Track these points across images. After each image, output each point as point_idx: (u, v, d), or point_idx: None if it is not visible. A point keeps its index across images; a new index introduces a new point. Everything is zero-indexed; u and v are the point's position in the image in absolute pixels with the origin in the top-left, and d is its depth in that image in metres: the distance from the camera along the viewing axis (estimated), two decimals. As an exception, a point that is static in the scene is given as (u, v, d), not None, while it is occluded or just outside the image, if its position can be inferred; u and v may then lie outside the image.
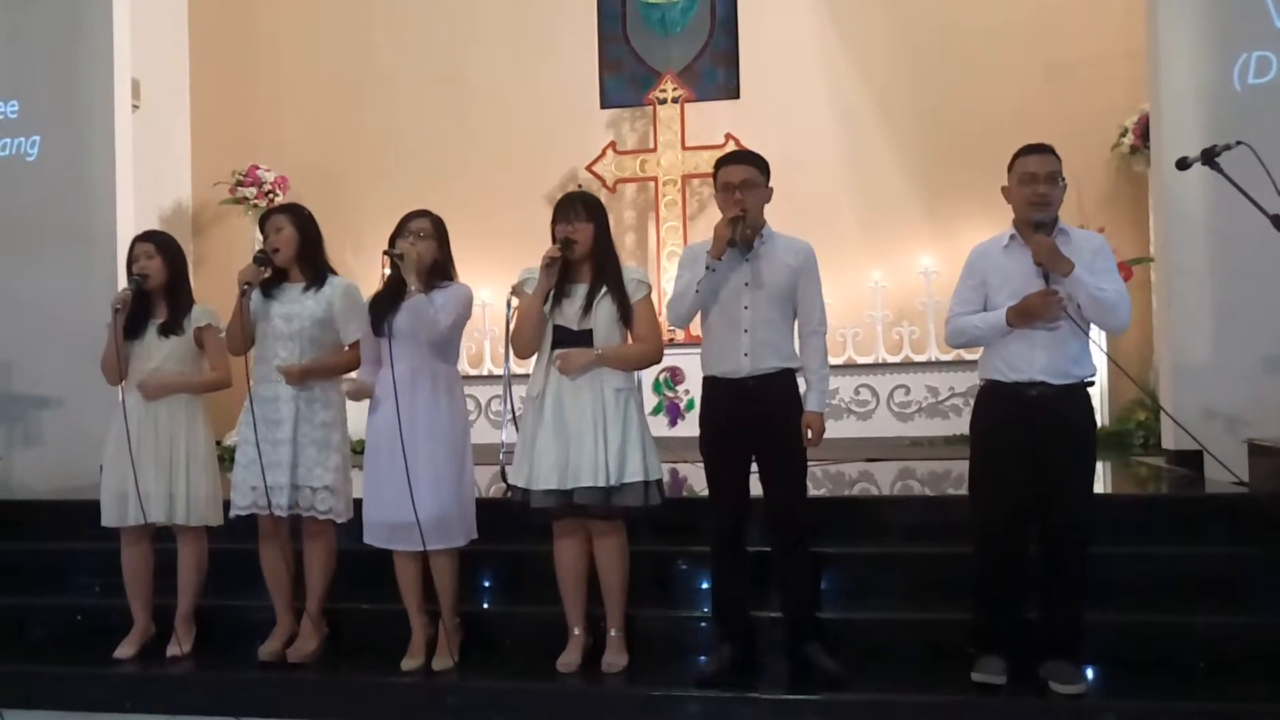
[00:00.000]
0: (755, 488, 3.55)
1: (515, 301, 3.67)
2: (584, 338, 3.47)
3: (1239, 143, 3.13)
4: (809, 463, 3.58)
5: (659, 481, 3.52)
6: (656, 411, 7.14)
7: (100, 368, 3.93)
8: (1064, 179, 3.33)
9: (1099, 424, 6.59)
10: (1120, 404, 6.83)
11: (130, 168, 6.40)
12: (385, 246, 3.66)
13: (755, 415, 3.43)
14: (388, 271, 3.74)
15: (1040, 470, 3.24)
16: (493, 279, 7.09)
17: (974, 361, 3.57)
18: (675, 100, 7.86)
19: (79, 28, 6.31)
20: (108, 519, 3.94)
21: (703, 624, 3.81)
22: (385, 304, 3.64)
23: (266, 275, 3.81)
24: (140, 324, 3.93)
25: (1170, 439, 5.39)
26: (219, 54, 8.57)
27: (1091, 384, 3.35)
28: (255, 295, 3.80)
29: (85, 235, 6.21)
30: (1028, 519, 3.31)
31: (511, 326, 3.65)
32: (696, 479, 4.83)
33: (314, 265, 3.88)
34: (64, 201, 6.24)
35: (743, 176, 3.47)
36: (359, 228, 7.19)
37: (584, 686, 3.52)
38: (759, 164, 3.53)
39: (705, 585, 3.94)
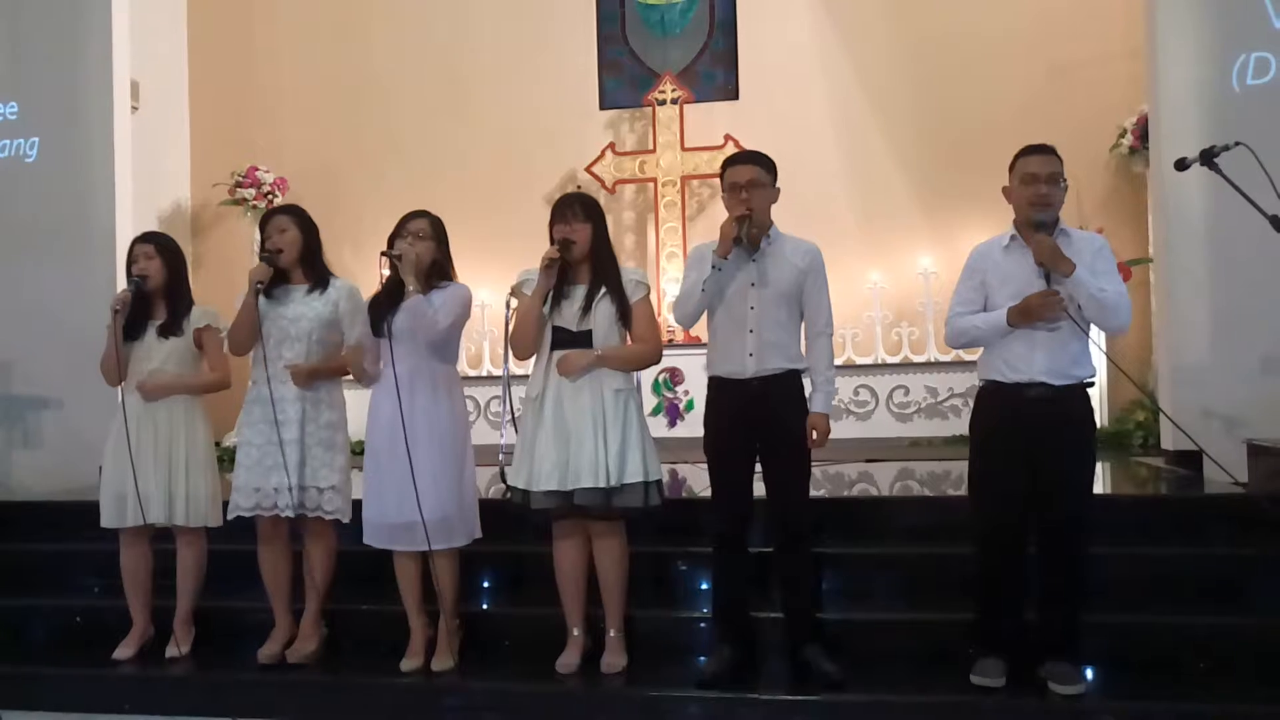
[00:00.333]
0: (756, 488, 3.55)
1: (514, 303, 3.67)
2: (583, 339, 3.47)
3: (1238, 143, 3.13)
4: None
5: (659, 482, 3.52)
6: (656, 412, 7.14)
7: (99, 369, 3.93)
8: (1065, 180, 3.33)
9: (1099, 425, 6.64)
10: (1119, 404, 6.84)
11: (129, 169, 6.39)
12: (384, 247, 3.66)
13: (760, 416, 3.43)
14: (386, 272, 3.74)
15: (1040, 471, 3.24)
16: (492, 280, 7.09)
17: (973, 362, 3.57)
18: (674, 101, 7.87)
19: (78, 29, 6.31)
20: (107, 520, 3.94)
21: (702, 625, 3.80)
22: (384, 305, 3.64)
23: (270, 275, 3.81)
24: (139, 325, 3.93)
25: (1169, 439, 5.39)
26: (218, 55, 8.56)
27: (1091, 385, 3.35)
28: (259, 297, 3.80)
29: (84, 236, 6.20)
30: (1027, 520, 3.31)
31: (510, 328, 3.65)
32: (696, 480, 4.84)
33: (315, 267, 3.89)
34: (63, 203, 6.24)
35: (749, 176, 3.47)
36: (358, 228, 7.19)
37: (583, 687, 3.52)
38: (766, 164, 3.53)
39: (705, 586, 3.95)
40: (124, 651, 3.94)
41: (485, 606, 4.18)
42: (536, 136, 8.13)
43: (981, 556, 3.39)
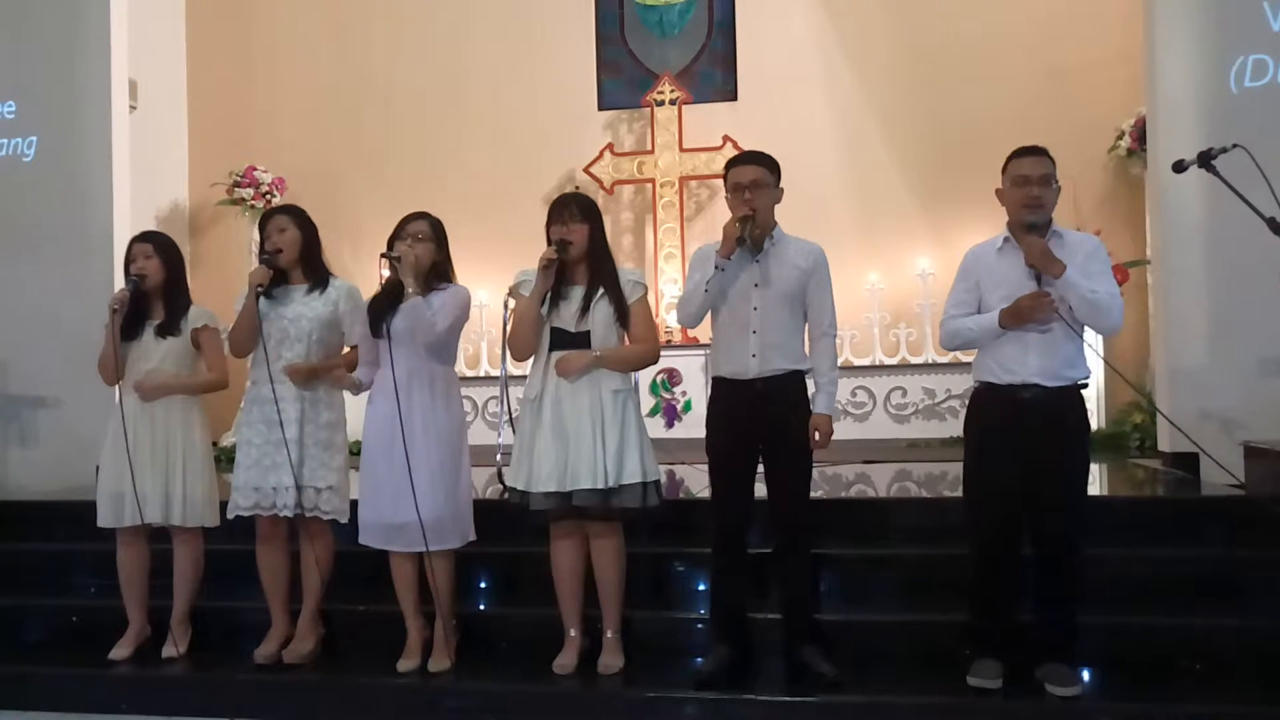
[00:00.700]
0: (757, 489, 3.55)
1: (512, 303, 3.67)
2: (581, 339, 3.47)
3: (1235, 145, 3.14)
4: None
5: (657, 483, 3.52)
6: (654, 413, 7.12)
7: (97, 368, 3.92)
8: (1058, 181, 3.34)
9: (1095, 426, 6.67)
10: (1116, 406, 6.84)
11: (127, 168, 6.39)
12: (383, 248, 3.66)
13: (762, 416, 3.43)
14: (386, 273, 3.74)
15: (1034, 472, 3.24)
16: (490, 281, 7.08)
17: (970, 364, 3.58)
18: (673, 102, 7.87)
19: (76, 29, 6.30)
20: (104, 520, 3.94)
21: (699, 625, 3.81)
22: (383, 306, 3.64)
23: (270, 277, 3.81)
24: (137, 325, 3.93)
25: (1166, 441, 5.39)
26: (216, 55, 8.56)
27: (1085, 386, 3.35)
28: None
29: (82, 236, 6.20)
30: (1022, 521, 3.31)
31: (508, 329, 3.64)
32: (694, 481, 4.84)
33: (315, 267, 3.88)
34: (61, 202, 6.24)
35: (753, 177, 3.47)
36: (357, 229, 7.20)
37: (580, 688, 3.52)
38: (769, 165, 3.54)
39: (702, 587, 3.95)
40: (121, 651, 3.94)
41: (482, 607, 4.18)
42: (535, 137, 8.12)
43: (976, 558, 3.39)
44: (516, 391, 3.74)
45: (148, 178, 7.41)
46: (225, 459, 5.82)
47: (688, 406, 7.14)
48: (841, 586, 4.01)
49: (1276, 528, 3.95)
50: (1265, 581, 3.77)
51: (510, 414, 3.81)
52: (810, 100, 7.90)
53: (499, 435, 4.74)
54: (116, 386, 3.90)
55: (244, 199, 7.96)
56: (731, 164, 3.59)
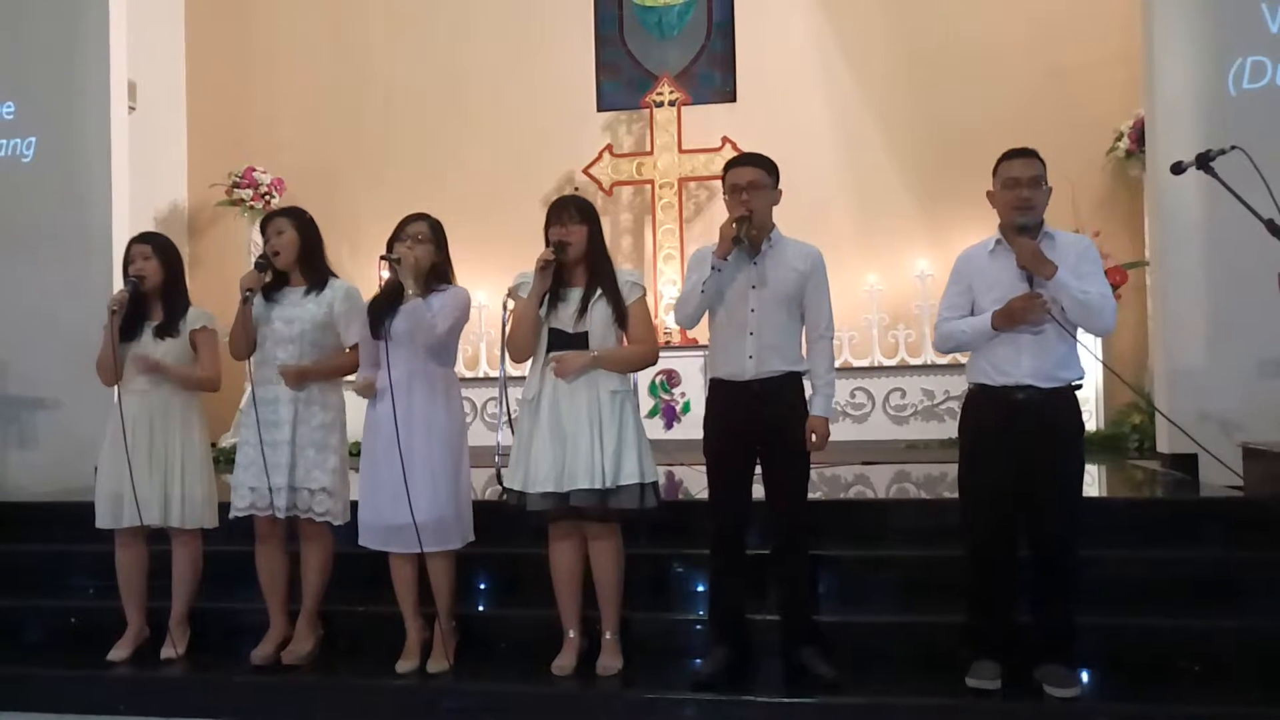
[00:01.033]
0: (755, 490, 3.55)
1: (511, 305, 3.67)
2: (579, 340, 3.47)
3: (1233, 147, 3.15)
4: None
5: (655, 484, 3.51)
6: (652, 414, 7.13)
7: (96, 369, 3.92)
8: (1048, 183, 3.34)
9: (1094, 428, 6.68)
10: (1115, 408, 6.85)
11: (126, 169, 6.39)
12: (383, 249, 3.66)
13: (759, 418, 3.44)
14: (385, 274, 3.74)
15: (1029, 473, 3.25)
16: (489, 282, 7.09)
17: (969, 365, 3.60)
18: (672, 103, 7.87)
19: (75, 29, 6.31)
20: (102, 521, 3.94)
21: (698, 627, 3.80)
22: (383, 308, 3.64)
23: (267, 280, 3.81)
24: (136, 326, 3.93)
25: (1165, 442, 5.39)
26: (215, 56, 8.57)
27: (1079, 387, 3.35)
28: (257, 299, 3.80)
29: (81, 236, 6.20)
30: (1017, 522, 3.31)
31: (507, 330, 3.65)
32: (692, 482, 4.84)
33: (315, 269, 3.88)
34: (60, 203, 6.24)
35: (750, 178, 3.48)
36: (356, 230, 7.20)
37: (579, 689, 3.52)
38: (767, 166, 3.54)
39: (701, 588, 3.95)
40: (119, 653, 3.93)
41: (481, 608, 4.18)
42: (534, 138, 8.13)
43: (972, 560, 3.39)
44: (516, 393, 3.74)
45: (147, 178, 7.41)
46: (224, 460, 5.83)
47: (686, 408, 7.15)
48: (840, 588, 4.01)
49: (1275, 529, 3.96)
50: (1264, 582, 3.77)
51: (509, 415, 3.80)
52: (809, 102, 7.90)
53: (498, 436, 4.72)
54: (115, 388, 3.89)
55: (243, 200, 7.97)
56: (730, 165, 3.60)
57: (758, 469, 3.54)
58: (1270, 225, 3.04)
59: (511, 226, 6.81)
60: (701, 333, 3.70)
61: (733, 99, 8.16)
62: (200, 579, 4.02)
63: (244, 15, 8.67)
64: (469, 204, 7.31)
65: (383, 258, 3.63)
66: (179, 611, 3.99)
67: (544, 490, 3.42)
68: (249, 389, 3.86)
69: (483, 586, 4.24)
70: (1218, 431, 4.75)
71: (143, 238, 4.06)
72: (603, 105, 8.35)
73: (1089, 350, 3.85)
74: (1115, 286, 6.78)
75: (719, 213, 3.60)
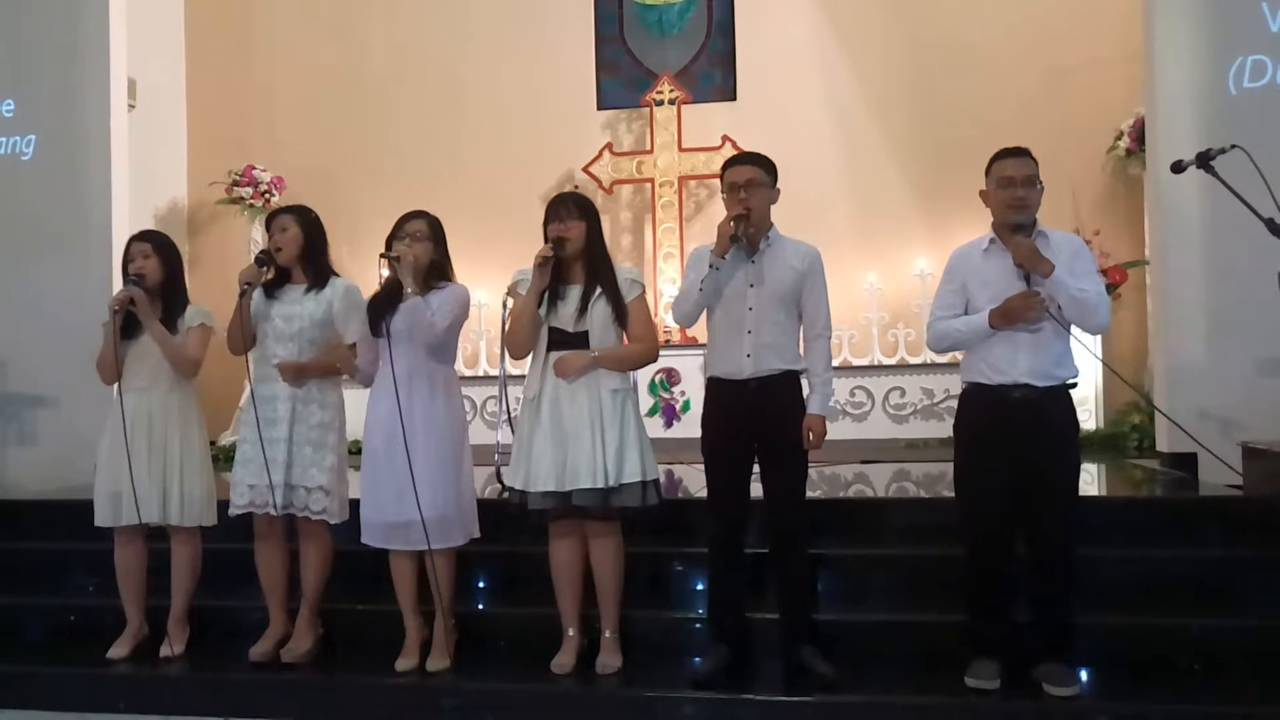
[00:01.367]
0: (754, 489, 3.55)
1: (510, 302, 3.67)
2: (579, 339, 3.47)
3: (1234, 146, 3.15)
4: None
5: (656, 482, 3.52)
6: (652, 413, 7.14)
7: (96, 368, 3.92)
8: (1041, 182, 3.34)
9: (1094, 427, 6.69)
10: (1115, 407, 6.85)
11: (126, 167, 6.39)
12: (382, 247, 3.66)
13: (757, 417, 3.44)
14: (385, 272, 3.74)
15: (1025, 473, 3.25)
16: (489, 280, 7.07)
17: (968, 364, 3.60)
18: (672, 102, 7.87)
19: (75, 27, 6.30)
20: (101, 519, 3.93)
21: (698, 625, 3.80)
22: (383, 306, 3.64)
23: (268, 277, 3.81)
24: (136, 324, 3.91)
25: (1165, 441, 5.39)
26: (215, 54, 8.56)
27: (1074, 386, 3.35)
28: (257, 295, 3.80)
29: (81, 234, 6.21)
30: (1014, 521, 3.31)
31: (506, 328, 3.65)
32: (692, 480, 4.84)
33: (317, 267, 3.88)
34: (60, 201, 6.24)
35: (748, 176, 3.48)
36: (355, 228, 7.19)
37: (578, 687, 3.52)
38: (766, 165, 3.55)
39: (700, 586, 3.95)
40: (119, 650, 3.93)
41: (480, 606, 4.18)
42: (534, 136, 8.12)
43: (970, 559, 3.39)
44: (515, 391, 3.74)
45: (146, 176, 7.41)
46: (224, 458, 5.83)
47: (686, 406, 7.15)
48: (839, 586, 4.01)
49: (1275, 528, 3.96)
50: (1263, 581, 3.77)
51: (509, 413, 3.81)
52: (809, 100, 7.90)
53: (498, 434, 4.72)
54: (115, 386, 3.89)
55: (243, 198, 7.97)
56: (728, 164, 3.61)
57: (756, 467, 3.54)
58: (1270, 224, 3.04)
59: (511, 224, 6.80)
60: (701, 331, 3.70)
61: (733, 98, 8.16)
62: (199, 577, 4.02)
63: (244, 13, 8.66)
64: (469, 202, 7.31)
65: (382, 256, 3.63)
66: (178, 609, 3.99)
67: (545, 489, 3.42)
68: (248, 387, 3.86)
69: (482, 585, 4.24)
70: (1217, 430, 4.75)
71: (142, 236, 4.05)
72: (603, 103, 8.35)
73: (1089, 349, 3.85)
74: (1115, 285, 6.80)
75: (719, 211, 3.59)
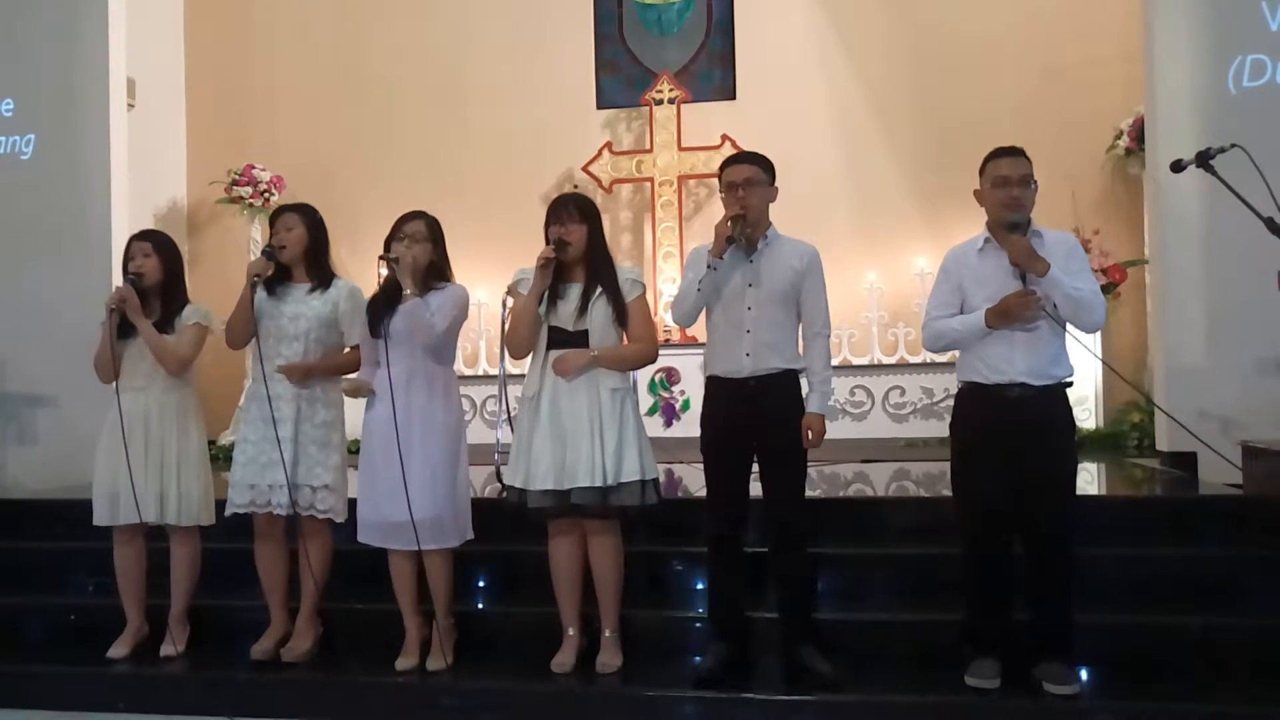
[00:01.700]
0: (754, 488, 3.55)
1: (510, 302, 3.67)
2: (579, 338, 3.47)
3: (1233, 145, 3.15)
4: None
5: (655, 481, 3.52)
6: (652, 412, 7.14)
7: (93, 366, 3.92)
8: (1035, 181, 3.34)
9: (1094, 426, 6.69)
10: (1115, 406, 6.85)
11: (125, 166, 6.38)
12: (381, 247, 3.66)
13: (756, 416, 3.44)
14: (384, 273, 3.74)
15: (1022, 471, 3.25)
16: (488, 279, 7.08)
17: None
18: (671, 101, 7.87)
19: (75, 26, 6.30)
20: (99, 518, 3.93)
21: (698, 624, 3.80)
22: (381, 306, 3.64)
23: (269, 273, 3.80)
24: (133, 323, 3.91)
25: (1165, 441, 5.39)
26: (214, 53, 8.56)
27: (1070, 385, 3.35)
28: (259, 293, 3.79)
29: (80, 234, 6.20)
30: (1011, 521, 3.31)
31: (506, 327, 3.65)
32: (692, 479, 4.84)
33: (319, 267, 3.88)
34: (59, 200, 6.23)
35: (745, 175, 3.48)
36: (355, 227, 7.18)
37: (578, 687, 3.52)
38: (763, 164, 3.55)
39: (700, 585, 3.95)
40: (119, 650, 3.94)
41: (480, 606, 4.17)
42: (533, 135, 8.12)
43: (968, 559, 3.39)
44: (515, 390, 3.74)
45: (146, 176, 7.41)
46: (223, 457, 5.82)
47: (686, 405, 7.16)
48: (839, 585, 4.01)
49: (1275, 527, 3.96)
50: (1263, 581, 3.77)
51: (509, 412, 3.81)
52: (809, 99, 7.90)
53: (497, 434, 4.72)
54: (113, 385, 3.88)
55: (242, 197, 7.96)
56: (725, 164, 3.61)
57: (756, 467, 3.54)
58: (1270, 223, 3.05)
59: (511, 224, 6.81)
60: (701, 330, 3.70)
61: (732, 97, 8.16)
62: (199, 576, 4.02)
63: (243, 12, 8.66)
64: (468, 201, 7.32)
65: (381, 257, 3.63)
66: (178, 608, 3.99)
67: (544, 488, 3.42)
68: (248, 385, 3.86)
69: (482, 584, 4.24)
70: (1217, 430, 4.75)
71: (142, 235, 4.05)
72: (602, 103, 8.35)
73: (1088, 349, 3.85)
74: (1115, 284, 6.81)
75: (718, 210, 3.59)
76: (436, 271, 3.71)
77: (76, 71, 6.29)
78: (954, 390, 3.54)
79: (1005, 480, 3.26)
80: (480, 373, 7.66)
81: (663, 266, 7.69)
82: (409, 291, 3.54)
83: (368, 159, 8.26)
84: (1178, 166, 3.32)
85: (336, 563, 3.91)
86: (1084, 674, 3.37)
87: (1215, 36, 5.13)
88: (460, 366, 4.16)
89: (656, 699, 3.44)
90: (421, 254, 3.64)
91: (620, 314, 3.49)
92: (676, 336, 7.02)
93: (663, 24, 8.38)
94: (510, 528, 3.81)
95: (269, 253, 3.78)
